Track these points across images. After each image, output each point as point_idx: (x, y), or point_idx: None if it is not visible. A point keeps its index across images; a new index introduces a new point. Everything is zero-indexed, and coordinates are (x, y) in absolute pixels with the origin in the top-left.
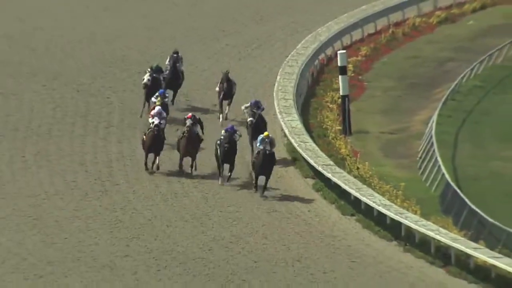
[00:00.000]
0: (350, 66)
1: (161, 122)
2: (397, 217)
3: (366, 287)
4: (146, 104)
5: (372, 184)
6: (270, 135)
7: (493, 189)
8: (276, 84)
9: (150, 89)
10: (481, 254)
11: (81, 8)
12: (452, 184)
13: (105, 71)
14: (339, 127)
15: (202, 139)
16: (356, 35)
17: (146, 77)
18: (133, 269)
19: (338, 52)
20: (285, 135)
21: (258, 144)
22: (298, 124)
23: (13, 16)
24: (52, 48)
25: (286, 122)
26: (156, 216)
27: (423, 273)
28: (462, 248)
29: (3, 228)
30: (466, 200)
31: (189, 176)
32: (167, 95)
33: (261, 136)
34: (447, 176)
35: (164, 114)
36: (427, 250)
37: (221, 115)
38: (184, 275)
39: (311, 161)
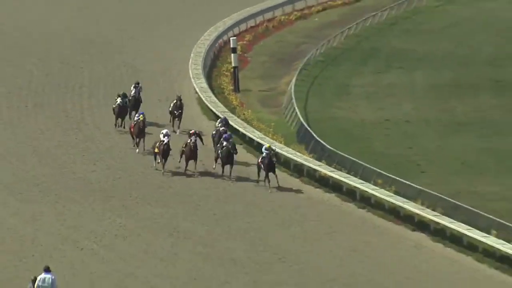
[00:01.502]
0: (238, 48)
1: (168, 138)
2: (272, 147)
3: (233, 198)
4: (119, 120)
5: (253, 124)
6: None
7: (330, 127)
8: (190, 60)
9: (121, 109)
10: (323, 169)
11: None
12: (304, 124)
13: None
14: (231, 87)
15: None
16: (242, 27)
17: (118, 101)
18: None
19: (231, 38)
20: (196, 92)
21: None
22: (204, 85)
23: None
24: None
25: (197, 84)
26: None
27: (284, 181)
28: (311, 165)
29: None
30: (313, 134)
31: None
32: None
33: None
34: (301, 118)
35: (169, 133)
36: (288, 167)
37: (177, 130)
38: None
39: (213, 109)
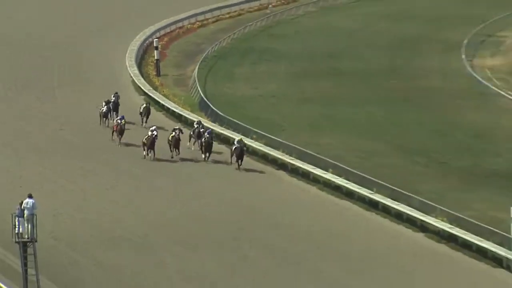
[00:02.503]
0: (160, 46)
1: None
2: (182, 113)
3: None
4: (106, 120)
5: (170, 98)
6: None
7: (221, 100)
8: (126, 55)
9: (106, 112)
10: (217, 129)
11: None
12: (204, 98)
13: None
14: (154, 73)
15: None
16: (162, 32)
17: (104, 107)
18: None
19: (154, 39)
20: (131, 76)
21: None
22: (136, 72)
23: None
24: None
25: (131, 71)
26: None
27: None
28: (213, 128)
29: None
30: (210, 104)
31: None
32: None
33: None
34: (201, 94)
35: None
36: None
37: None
38: None
39: (143, 87)
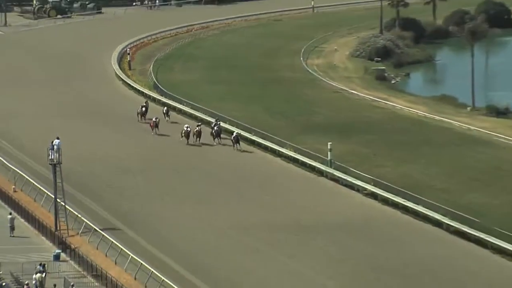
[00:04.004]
0: (131, 52)
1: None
2: (143, 90)
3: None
4: (142, 117)
5: (136, 82)
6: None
7: (168, 84)
8: (111, 57)
9: (145, 111)
10: (163, 99)
11: None
12: (157, 83)
13: None
14: (128, 68)
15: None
16: (132, 44)
17: (142, 108)
18: None
19: (127, 48)
20: (115, 70)
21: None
22: (117, 67)
23: None
24: None
25: (114, 67)
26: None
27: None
28: (160, 99)
29: None
30: (160, 86)
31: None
32: None
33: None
34: (155, 80)
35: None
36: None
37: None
38: None
39: (122, 77)
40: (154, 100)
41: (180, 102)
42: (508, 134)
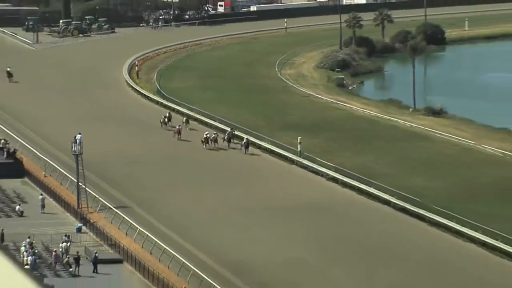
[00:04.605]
0: (139, 64)
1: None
2: (148, 95)
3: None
4: (165, 125)
5: (144, 88)
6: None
7: (168, 90)
8: (123, 68)
9: (167, 121)
10: (165, 102)
11: None
12: (159, 88)
13: None
14: (136, 76)
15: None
16: (139, 57)
17: (165, 118)
18: None
19: (136, 60)
20: (125, 79)
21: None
22: (127, 76)
23: None
24: None
25: (125, 76)
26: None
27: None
28: (162, 102)
29: None
30: (162, 92)
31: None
32: None
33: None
34: (158, 87)
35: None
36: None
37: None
38: None
39: (131, 83)
40: (157, 103)
41: (178, 104)
42: (443, 130)
